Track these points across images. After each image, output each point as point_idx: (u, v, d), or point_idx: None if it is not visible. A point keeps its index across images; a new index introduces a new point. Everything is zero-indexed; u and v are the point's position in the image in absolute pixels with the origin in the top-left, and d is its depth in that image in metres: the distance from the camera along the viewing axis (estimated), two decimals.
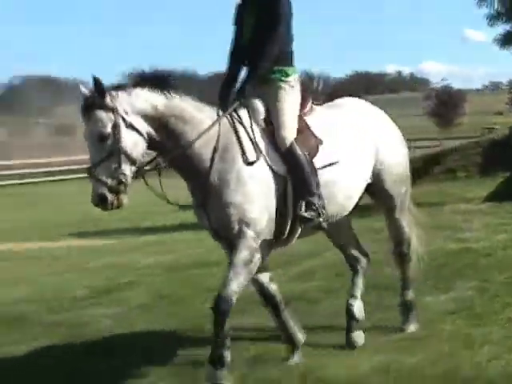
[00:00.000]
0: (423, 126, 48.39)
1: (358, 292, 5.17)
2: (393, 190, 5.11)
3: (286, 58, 4.71)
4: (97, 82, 4.08)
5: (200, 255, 8.65)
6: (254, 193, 4.41)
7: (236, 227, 4.40)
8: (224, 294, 4.28)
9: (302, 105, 4.77)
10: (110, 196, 4.12)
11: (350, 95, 6.05)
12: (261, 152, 4.49)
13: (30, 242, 9.99)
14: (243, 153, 4.43)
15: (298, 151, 4.50)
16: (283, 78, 4.64)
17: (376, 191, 5.09)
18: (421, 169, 12.97)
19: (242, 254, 4.39)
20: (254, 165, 4.44)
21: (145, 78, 4.38)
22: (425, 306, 5.63)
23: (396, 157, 5.11)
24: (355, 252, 5.33)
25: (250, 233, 4.42)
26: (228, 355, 4.31)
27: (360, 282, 5.23)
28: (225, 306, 4.28)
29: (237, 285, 4.34)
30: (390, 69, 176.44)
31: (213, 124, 4.40)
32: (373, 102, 5.40)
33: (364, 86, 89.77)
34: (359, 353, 4.71)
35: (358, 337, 4.96)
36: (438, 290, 6.12)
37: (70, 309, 4.68)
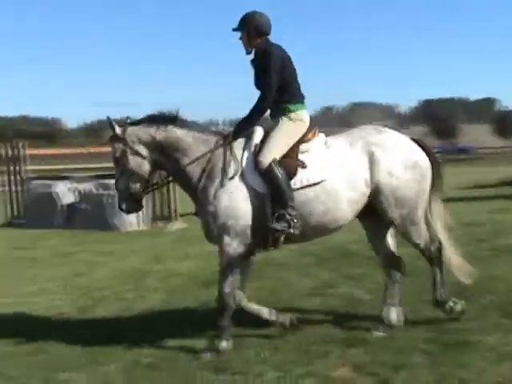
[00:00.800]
0: None
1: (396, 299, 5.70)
2: (392, 212, 5.41)
3: (289, 97, 5.44)
4: (109, 122, 5.37)
5: None
6: (229, 206, 5.19)
7: (214, 232, 5.28)
8: (221, 292, 5.29)
9: (306, 133, 5.47)
10: (124, 204, 5.42)
11: None
12: (240, 172, 5.24)
13: None
14: (224, 173, 5.24)
15: (275, 171, 5.16)
16: (285, 113, 5.42)
17: (377, 211, 5.47)
18: None
19: (223, 258, 5.28)
20: (232, 183, 5.21)
21: (152, 117, 5.44)
22: None
23: (395, 181, 5.35)
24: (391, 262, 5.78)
25: (225, 238, 5.23)
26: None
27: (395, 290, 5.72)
28: (223, 302, 5.28)
29: (227, 284, 5.27)
30: None
31: (205, 153, 5.31)
32: None
33: None
34: None
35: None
36: None
37: None
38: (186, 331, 5.88)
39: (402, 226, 5.51)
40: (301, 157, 5.36)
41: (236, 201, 5.21)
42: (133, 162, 5.35)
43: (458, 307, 5.63)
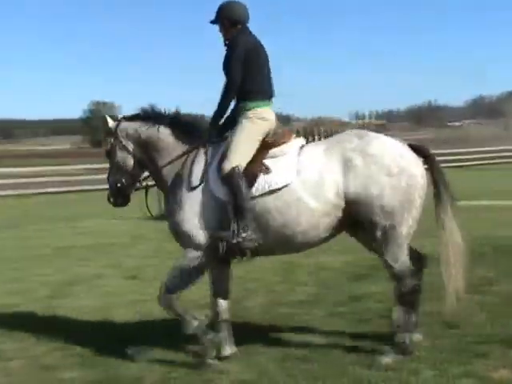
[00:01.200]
0: None
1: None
2: (374, 223, 4.88)
3: (248, 94, 5.17)
4: (104, 119, 5.56)
5: None
6: (191, 213, 5.02)
7: (179, 239, 5.17)
8: (161, 293, 5.10)
9: (283, 136, 5.21)
10: (111, 197, 5.46)
11: None
12: (205, 179, 5.06)
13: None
14: (191, 179, 5.09)
15: (234, 178, 4.90)
16: (243, 111, 5.18)
17: (356, 223, 4.97)
18: None
19: (183, 263, 5.09)
20: (196, 190, 5.05)
21: (145, 114, 5.46)
22: None
23: (377, 189, 4.84)
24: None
25: (189, 247, 5.08)
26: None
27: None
28: (164, 303, 5.11)
29: (175, 285, 5.08)
30: None
31: (179, 156, 5.25)
32: None
33: None
34: None
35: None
36: None
37: None
38: (335, 325, 5.86)
39: (380, 242, 4.91)
40: (268, 161, 5.07)
41: (199, 210, 5.05)
42: (119, 156, 5.44)
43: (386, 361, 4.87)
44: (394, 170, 4.87)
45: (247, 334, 5.73)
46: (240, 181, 4.91)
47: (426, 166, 5.16)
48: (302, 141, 5.27)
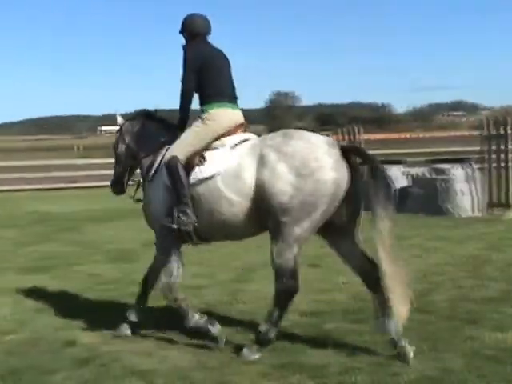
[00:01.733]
0: None
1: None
2: (269, 216, 4.96)
3: (204, 99, 5.50)
4: (115, 117, 6.20)
5: None
6: (151, 199, 5.59)
7: (149, 223, 5.73)
8: (160, 282, 5.53)
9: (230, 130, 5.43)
10: (112, 186, 6.19)
11: None
12: (160, 168, 5.50)
13: None
14: (156, 169, 5.60)
15: (171, 166, 5.27)
16: (200, 115, 5.49)
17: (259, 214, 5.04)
18: None
19: (156, 248, 5.64)
20: (155, 178, 5.56)
21: (140, 113, 6.13)
22: None
23: (280, 186, 4.86)
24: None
25: (156, 226, 5.55)
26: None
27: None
28: (164, 293, 5.49)
29: (164, 273, 5.46)
30: None
31: (154, 149, 5.74)
32: None
33: None
34: None
35: None
36: None
37: None
38: None
39: (271, 236, 5.04)
40: (208, 152, 5.35)
41: (157, 195, 5.51)
42: (120, 148, 6.14)
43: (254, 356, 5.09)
44: (302, 172, 4.85)
45: (434, 329, 5.55)
46: (176, 168, 5.26)
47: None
48: (246, 135, 5.46)
